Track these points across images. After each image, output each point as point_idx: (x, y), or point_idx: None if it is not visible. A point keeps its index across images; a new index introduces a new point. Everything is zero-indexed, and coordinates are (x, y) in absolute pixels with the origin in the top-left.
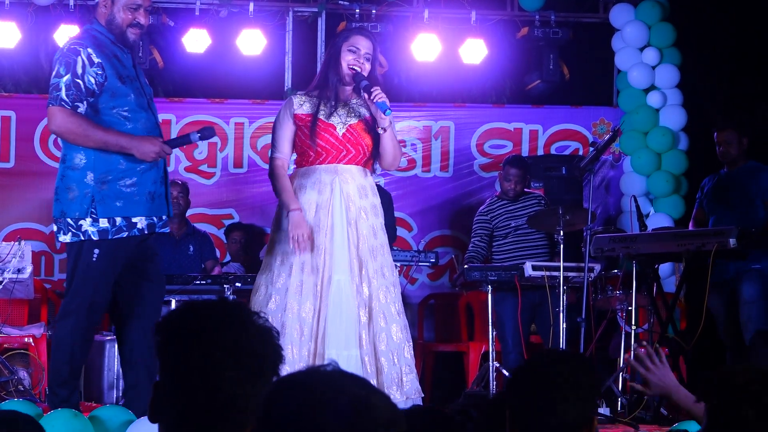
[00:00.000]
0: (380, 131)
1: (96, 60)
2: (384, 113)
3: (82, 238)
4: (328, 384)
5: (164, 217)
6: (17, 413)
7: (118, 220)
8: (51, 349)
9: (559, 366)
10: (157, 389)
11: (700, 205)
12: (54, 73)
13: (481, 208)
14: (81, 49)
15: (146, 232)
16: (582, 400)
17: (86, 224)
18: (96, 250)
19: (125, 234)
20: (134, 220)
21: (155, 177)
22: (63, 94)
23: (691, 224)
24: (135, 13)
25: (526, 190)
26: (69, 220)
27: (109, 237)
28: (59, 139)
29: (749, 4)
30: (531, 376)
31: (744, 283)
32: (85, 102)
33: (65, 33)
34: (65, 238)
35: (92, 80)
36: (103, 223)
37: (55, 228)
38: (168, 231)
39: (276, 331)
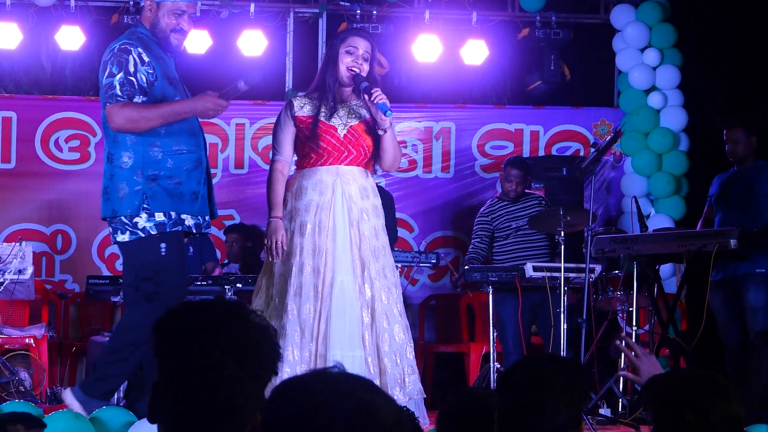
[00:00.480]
0: (380, 132)
1: (146, 59)
2: (384, 114)
3: (141, 235)
4: (333, 387)
5: (207, 218)
6: (22, 413)
7: (173, 214)
8: (114, 331)
9: (548, 369)
10: (155, 389)
11: (709, 203)
12: (106, 73)
13: (481, 209)
14: (132, 48)
15: (194, 231)
16: (571, 403)
17: (142, 221)
18: (163, 245)
19: (180, 228)
20: (182, 216)
21: (199, 177)
22: (118, 90)
23: (700, 222)
24: (179, 18)
25: (527, 191)
26: (123, 218)
27: (168, 230)
28: (104, 138)
29: (749, 5)
30: (520, 379)
31: (750, 289)
32: (139, 98)
33: (66, 34)
34: (123, 237)
35: (144, 78)
36: (159, 217)
37: (109, 229)
38: (210, 231)
39: (274, 330)
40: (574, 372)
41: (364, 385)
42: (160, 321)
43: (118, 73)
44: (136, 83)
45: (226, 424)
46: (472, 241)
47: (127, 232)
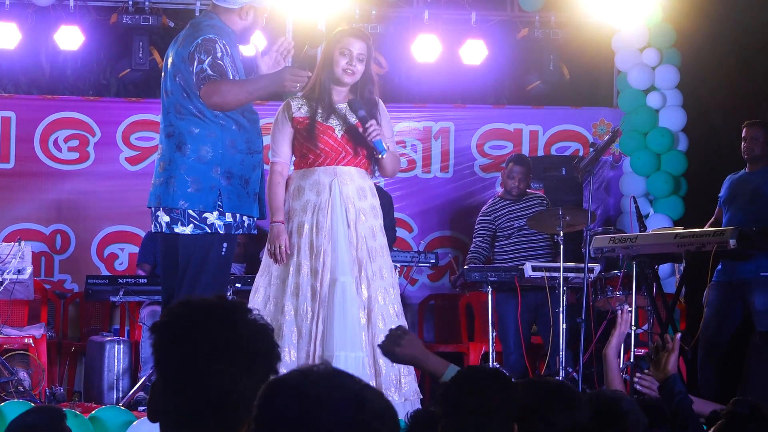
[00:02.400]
0: (378, 156)
1: (229, 51)
2: (380, 154)
3: (208, 231)
4: (323, 382)
5: (256, 219)
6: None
7: (238, 216)
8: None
9: (488, 393)
10: (154, 388)
11: (719, 204)
12: (196, 63)
13: (483, 208)
14: (217, 38)
15: (250, 232)
16: (507, 420)
17: (212, 218)
18: (224, 245)
19: (241, 231)
20: (244, 217)
21: (259, 177)
22: (210, 71)
23: (708, 224)
24: (262, 18)
25: (528, 190)
26: (191, 212)
27: (233, 232)
28: (170, 127)
29: (749, 5)
30: (462, 401)
31: (755, 292)
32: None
33: (65, 34)
34: (184, 230)
35: (228, 67)
36: (228, 217)
37: (166, 218)
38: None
39: (271, 329)
40: (509, 389)
41: (351, 379)
42: (156, 321)
43: (207, 58)
44: (223, 66)
45: (221, 421)
46: (474, 240)
47: (191, 225)
